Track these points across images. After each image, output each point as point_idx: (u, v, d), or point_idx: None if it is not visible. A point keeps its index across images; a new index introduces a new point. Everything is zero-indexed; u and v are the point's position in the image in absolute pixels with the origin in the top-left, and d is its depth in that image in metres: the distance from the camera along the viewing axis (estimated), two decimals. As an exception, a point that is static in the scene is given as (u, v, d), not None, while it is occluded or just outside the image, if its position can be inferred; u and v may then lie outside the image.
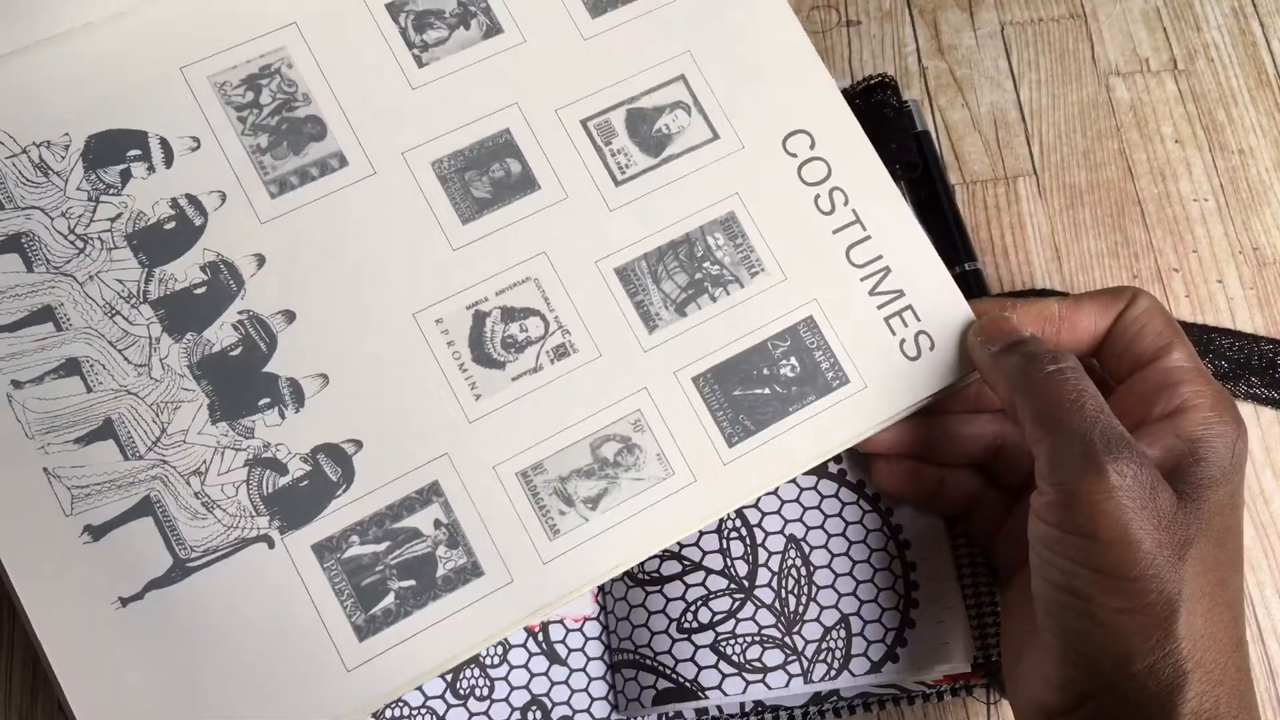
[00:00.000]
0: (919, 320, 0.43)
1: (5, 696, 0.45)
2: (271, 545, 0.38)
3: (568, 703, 0.44)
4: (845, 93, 0.49)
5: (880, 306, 0.43)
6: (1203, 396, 0.39)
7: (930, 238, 0.45)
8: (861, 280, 0.43)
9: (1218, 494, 0.37)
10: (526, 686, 0.44)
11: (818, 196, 0.43)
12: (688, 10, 0.45)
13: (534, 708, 0.43)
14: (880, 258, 0.43)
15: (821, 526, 0.45)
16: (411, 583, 0.38)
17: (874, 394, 0.42)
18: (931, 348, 0.43)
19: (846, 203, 0.44)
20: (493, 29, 0.43)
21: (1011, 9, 0.57)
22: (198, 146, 0.41)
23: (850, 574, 0.45)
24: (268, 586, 0.38)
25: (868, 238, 0.43)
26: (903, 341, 0.42)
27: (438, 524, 0.39)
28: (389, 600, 0.38)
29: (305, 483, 0.39)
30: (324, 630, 0.38)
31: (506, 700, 0.43)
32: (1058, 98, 0.56)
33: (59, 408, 0.38)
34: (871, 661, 0.44)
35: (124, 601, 0.37)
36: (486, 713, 0.43)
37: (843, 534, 0.45)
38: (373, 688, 0.37)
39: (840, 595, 0.45)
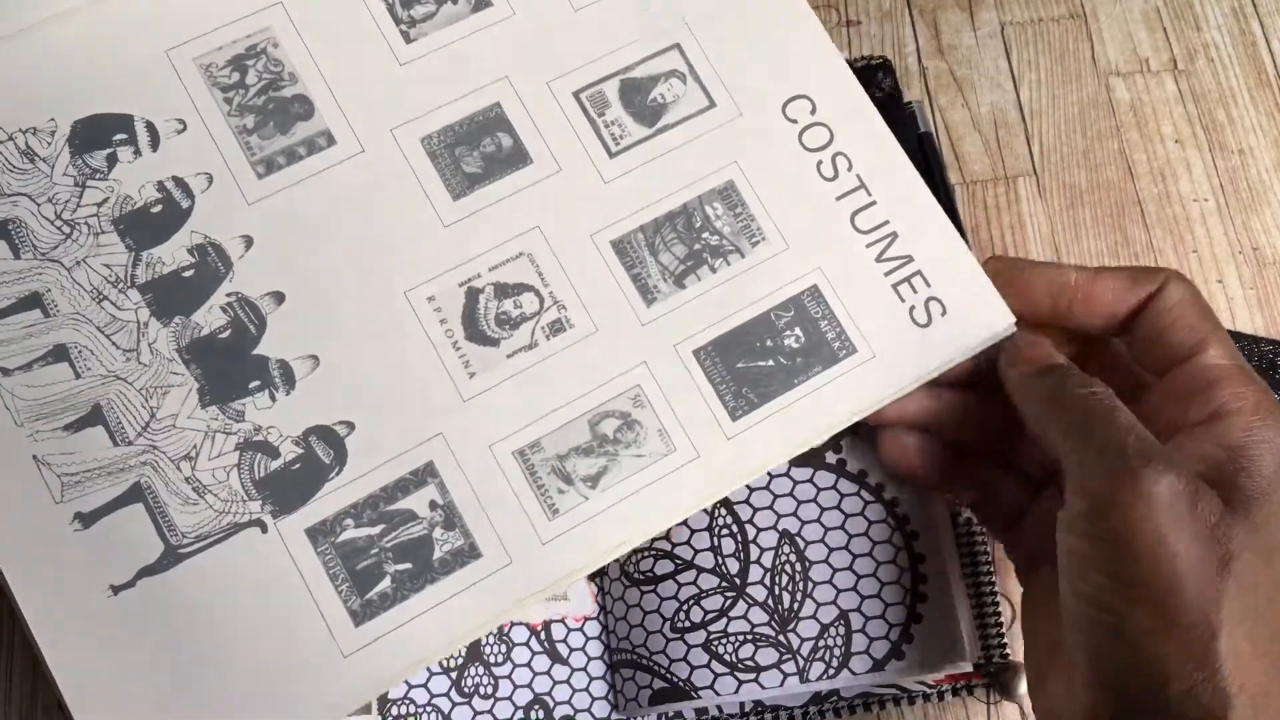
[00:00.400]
0: (929, 286, 0.41)
1: (5, 696, 0.44)
2: (264, 530, 0.37)
3: (569, 702, 0.44)
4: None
5: (888, 273, 0.41)
6: (1243, 399, 0.36)
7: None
8: (867, 246, 0.42)
9: (1265, 506, 0.34)
10: (529, 685, 0.43)
11: (820, 163, 0.42)
12: None
13: (536, 706, 0.43)
14: (887, 223, 0.42)
15: (818, 520, 0.44)
16: (408, 566, 0.37)
17: (883, 364, 0.40)
18: (943, 314, 0.41)
19: (850, 168, 0.42)
20: (481, 3, 0.43)
21: (1011, 9, 0.57)
22: (184, 129, 0.40)
23: (850, 569, 0.44)
24: (261, 572, 0.37)
25: (873, 203, 0.42)
26: (912, 308, 0.41)
27: (433, 505, 0.38)
28: (385, 584, 0.37)
29: (297, 466, 0.38)
30: (319, 615, 0.37)
31: (510, 699, 0.43)
32: (1058, 98, 0.55)
33: (48, 395, 0.38)
34: (874, 659, 0.43)
35: (115, 589, 0.36)
36: (491, 711, 0.42)
37: (841, 527, 0.44)
38: (370, 673, 0.37)
39: (839, 591, 0.43)
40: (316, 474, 0.38)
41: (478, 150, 0.41)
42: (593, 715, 0.44)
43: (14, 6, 0.40)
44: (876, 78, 0.52)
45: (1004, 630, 0.46)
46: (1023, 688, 0.45)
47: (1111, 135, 0.55)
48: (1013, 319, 0.41)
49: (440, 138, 0.41)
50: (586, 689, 0.44)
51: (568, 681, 0.44)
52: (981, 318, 0.41)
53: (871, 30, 0.56)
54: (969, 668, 0.43)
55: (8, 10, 0.40)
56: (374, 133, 0.41)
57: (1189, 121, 0.55)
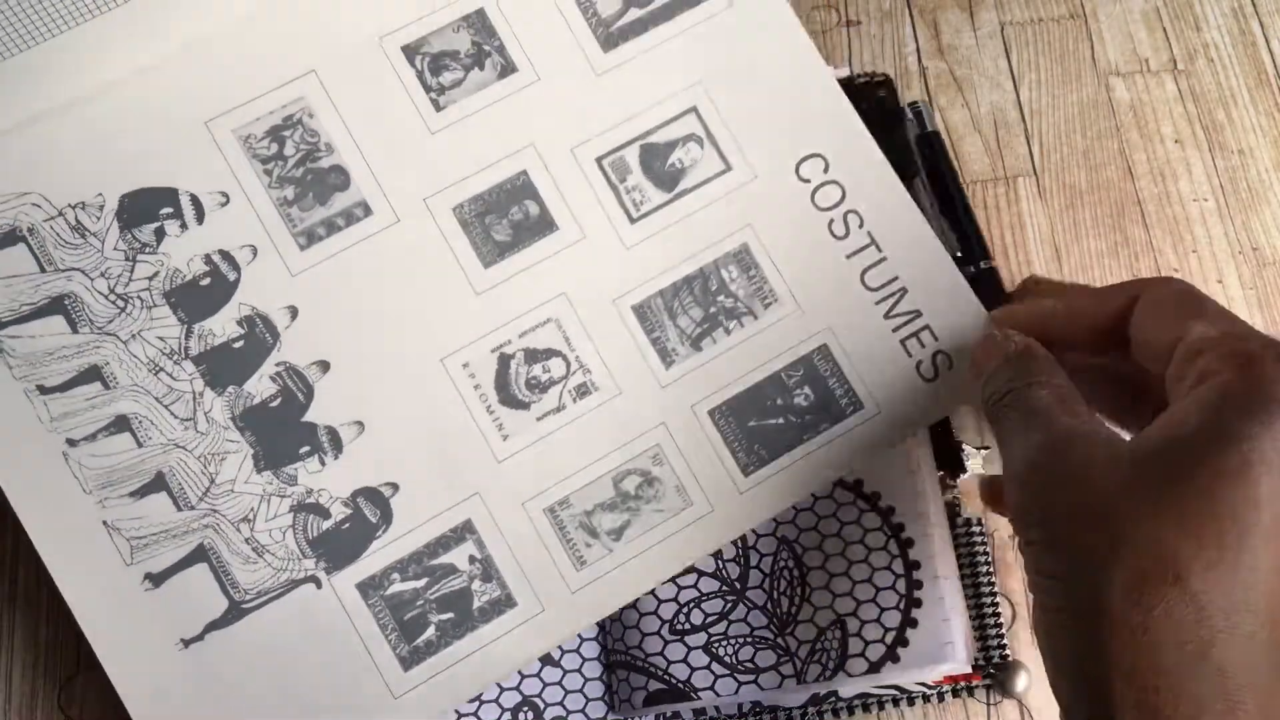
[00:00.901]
0: (936, 340, 0.44)
1: (5, 697, 0.47)
2: (319, 585, 0.41)
3: (561, 703, 0.46)
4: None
5: (896, 329, 0.44)
6: (1215, 361, 0.33)
7: (944, 239, 0.46)
8: (876, 304, 0.44)
9: (1198, 467, 0.32)
10: (517, 688, 0.46)
11: (831, 221, 0.45)
12: (698, 39, 0.45)
13: (525, 708, 0.46)
14: (896, 279, 0.44)
15: (815, 528, 0.47)
16: (450, 615, 0.41)
17: (888, 418, 0.43)
18: (950, 367, 0.44)
19: (861, 225, 0.45)
20: (507, 68, 0.44)
21: (1011, 9, 0.57)
22: (227, 202, 0.42)
23: (846, 574, 0.46)
24: (318, 623, 0.41)
25: (883, 259, 0.44)
26: (920, 363, 0.44)
27: (472, 560, 0.42)
28: (430, 632, 0.41)
29: (347, 525, 0.41)
30: (372, 662, 0.41)
31: (496, 701, 0.45)
32: (1058, 98, 0.56)
33: (113, 463, 0.41)
34: (870, 662, 0.46)
35: (186, 643, 0.40)
36: (476, 714, 0.45)
37: (838, 534, 0.47)
38: (419, 712, 0.41)
39: (835, 596, 0.46)
40: (365, 533, 0.41)
41: (506, 218, 0.43)
42: (586, 717, 0.46)
43: (54, 82, 0.41)
44: (877, 94, 0.53)
45: (1004, 630, 0.48)
46: (1021, 686, 0.48)
47: (1111, 135, 0.55)
48: None
49: (471, 206, 0.43)
50: (581, 690, 0.47)
51: (560, 683, 0.46)
52: None
53: (871, 30, 0.56)
54: (966, 669, 0.46)
55: (47, 86, 0.41)
56: (408, 202, 0.43)
57: (1189, 121, 0.56)
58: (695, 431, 0.43)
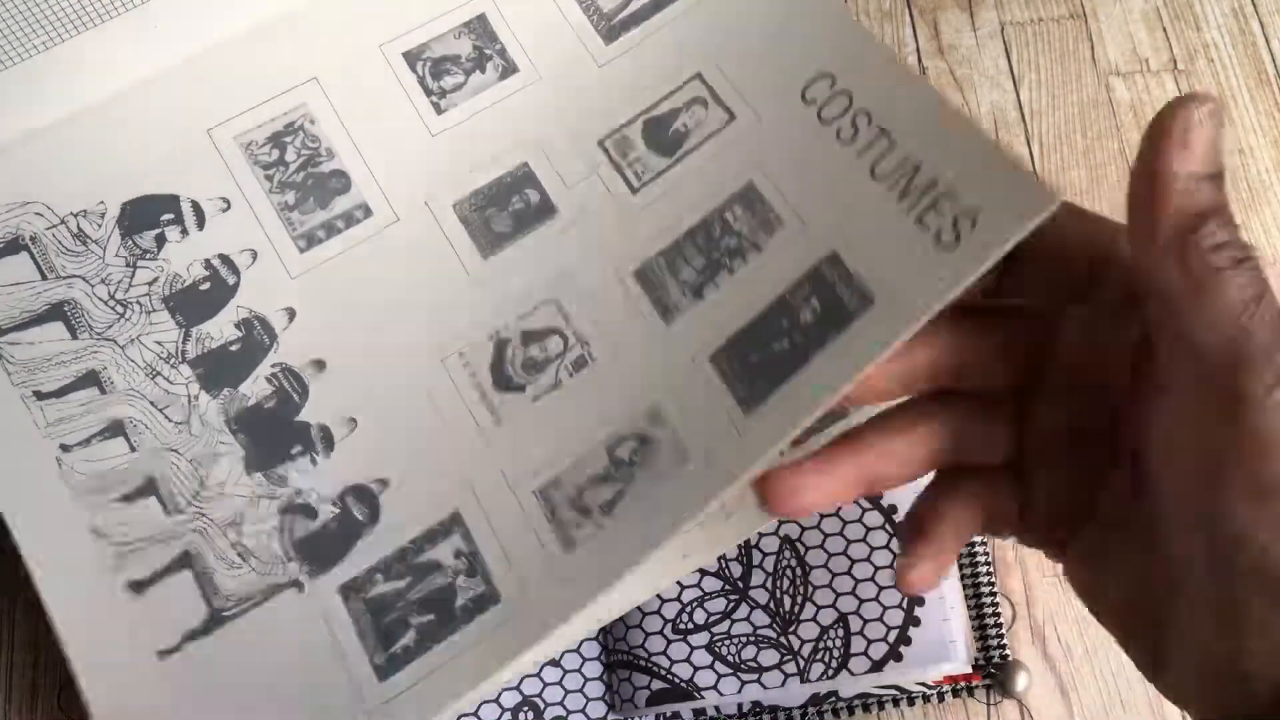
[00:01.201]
0: (955, 201, 0.35)
1: (5, 697, 0.46)
2: (301, 590, 0.38)
3: (561, 703, 0.44)
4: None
5: (911, 208, 0.36)
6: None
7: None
8: (889, 190, 0.37)
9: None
10: (517, 687, 0.44)
11: (839, 130, 0.39)
12: (701, 16, 0.43)
13: (525, 708, 0.44)
14: (907, 158, 0.37)
15: (817, 526, 0.46)
16: (430, 617, 0.37)
17: (899, 303, 0.36)
18: (973, 226, 0.35)
19: (870, 122, 0.39)
20: (509, 69, 0.43)
21: (1011, 9, 0.57)
22: (228, 207, 0.42)
23: (848, 573, 0.45)
24: (295, 631, 0.37)
25: (893, 146, 0.38)
26: (939, 232, 0.35)
27: (458, 554, 0.38)
28: (409, 637, 0.37)
29: (334, 525, 0.38)
30: (345, 672, 0.37)
31: (496, 701, 0.44)
32: (1058, 98, 0.55)
33: (105, 468, 0.39)
34: (872, 660, 0.44)
35: (162, 654, 0.37)
36: (476, 713, 0.43)
37: (840, 533, 0.46)
38: None
39: (838, 595, 0.45)
40: (351, 532, 0.38)
41: (507, 210, 0.42)
42: (587, 716, 0.45)
43: (58, 93, 0.43)
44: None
45: (1004, 630, 0.47)
46: (1021, 686, 0.47)
47: (1111, 135, 0.55)
48: (1058, 199, 0.33)
49: (472, 202, 0.42)
50: (581, 690, 0.45)
51: (560, 683, 0.45)
52: (1014, 207, 0.34)
53: (871, 30, 0.56)
54: (967, 669, 0.44)
55: (51, 97, 0.43)
56: (408, 203, 0.42)
57: (1189, 121, 0.54)
58: (695, 381, 0.38)
